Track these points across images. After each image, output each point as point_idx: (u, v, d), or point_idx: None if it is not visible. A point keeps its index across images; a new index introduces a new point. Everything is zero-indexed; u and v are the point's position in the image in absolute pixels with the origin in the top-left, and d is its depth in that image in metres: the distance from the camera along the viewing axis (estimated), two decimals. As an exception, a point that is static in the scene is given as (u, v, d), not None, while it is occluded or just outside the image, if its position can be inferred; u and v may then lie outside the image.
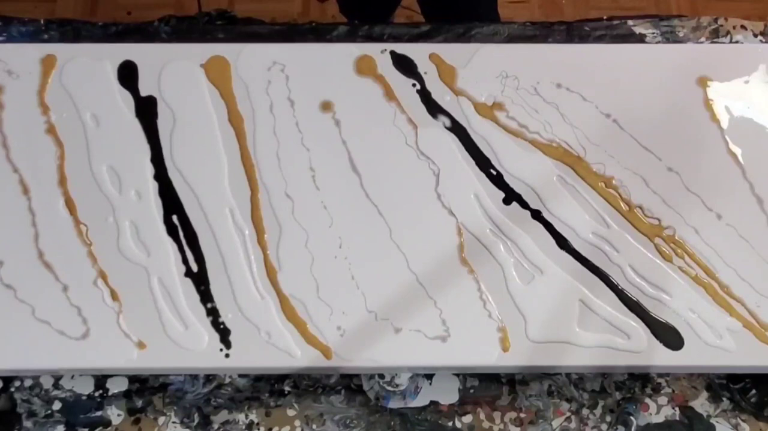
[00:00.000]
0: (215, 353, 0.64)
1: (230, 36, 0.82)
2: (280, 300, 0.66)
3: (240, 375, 0.67)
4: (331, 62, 0.77)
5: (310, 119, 0.74)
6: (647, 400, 0.66)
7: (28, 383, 0.66)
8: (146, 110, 0.74)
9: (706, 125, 0.75)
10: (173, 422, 0.65)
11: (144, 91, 0.75)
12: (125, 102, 0.75)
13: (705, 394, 0.67)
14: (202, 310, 0.66)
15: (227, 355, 0.64)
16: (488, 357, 0.65)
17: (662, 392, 0.67)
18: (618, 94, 0.76)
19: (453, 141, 0.74)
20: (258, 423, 0.65)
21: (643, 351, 0.65)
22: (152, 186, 0.71)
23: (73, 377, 0.66)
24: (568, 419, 0.65)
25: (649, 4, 1.57)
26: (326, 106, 0.75)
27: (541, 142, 0.74)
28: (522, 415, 0.66)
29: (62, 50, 0.77)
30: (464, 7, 1.00)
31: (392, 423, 0.65)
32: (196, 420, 0.65)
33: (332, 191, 0.71)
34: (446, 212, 0.70)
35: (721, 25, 0.83)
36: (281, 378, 0.67)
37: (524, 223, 0.70)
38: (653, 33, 0.83)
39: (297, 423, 0.65)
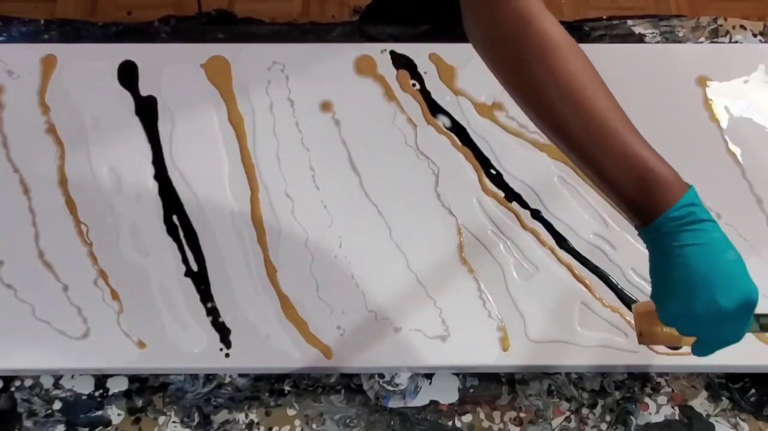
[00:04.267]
0: (215, 353, 0.65)
1: (230, 36, 0.82)
2: (280, 300, 0.67)
3: (240, 375, 0.67)
4: (331, 62, 0.77)
5: (310, 119, 0.74)
6: (647, 400, 0.66)
7: (28, 382, 0.66)
8: (146, 110, 0.74)
9: (705, 124, 0.75)
10: (173, 422, 0.65)
11: (144, 92, 0.75)
12: (125, 102, 0.75)
13: (704, 393, 0.67)
14: (202, 310, 0.66)
15: (227, 355, 0.64)
16: (488, 356, 0.65)
17: (662, 391, 0.67)
18: (617, 94, 0.76)
19: (453, 141, 0.74)
20: (258, 423, 0.65)
21: (643, 350, 0.65)
22: (152, 186, 0.71)
23: (73, 376, 0.66)
24: (567, 418, 0.66)
25: (649, 4, 1.57)
26: (326, 107, 0.75)
27: (541, 142, 0.74)
28: (522, 415, 0.66)
29: (62, 50, 0.77)
30: None
31: (392, 422, 0.65)
32: (196, 420, 0.65)
33: (332, 191, 0.71)
34: (446, 211, 0.70)
35: (721, 25, 0.83)
36: (281, 377, 0.67)
37: (524, 222, 0.70)
38: (653, 33, 0.83)
39: (297, 422, 0.65)
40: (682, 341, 0.55)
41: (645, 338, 0.57)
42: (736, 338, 0.50)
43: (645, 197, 0.48)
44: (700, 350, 0.52)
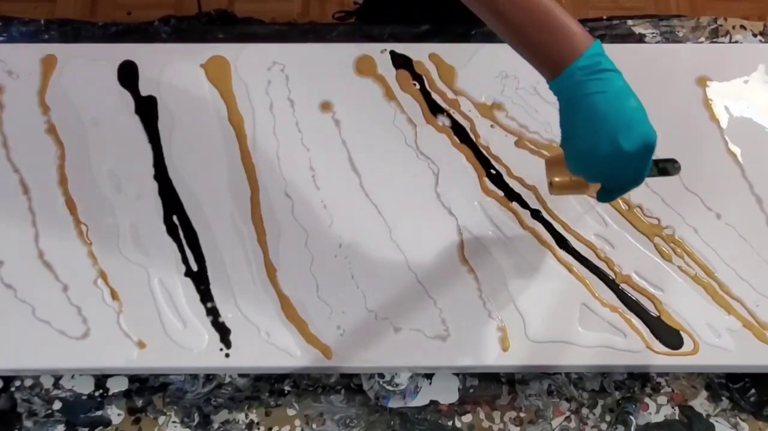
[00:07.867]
0: (215, 352, 0.65)
1: (230, 36, 0.82)
2: (280, 300, 0.67)
3: (240, 375, 0.67)
4: (331, 62, 0.77)
5: (310, 118, 0.74)
6: (647, 399, 0.66)
7: (28, 382, 0.66)
8: (146, 110, 0.74)
9: (705, 124, 0.75)
10: (173, 421, 0.65)
11: (144, 92, 0.75)
12: (125, 102, 0.75)
13: (704, 393, 0.67)
14: (202, 310, 0.66)
15: (227, 355, 0.64)
16: (488, 356, 0.65)
17: (662, 391, 0.67)
18: (617, 94, 0.76)
19: (453, 141, 0.74)
20: (258, 423, 0.65)
21: (642, 350, 0.65)
22: (152, 186, 0.71)
23: (73, 376, 0.66)
24: (567, 418, 0.66)
25: (649, 4, 1.57)
26: (326, 107, 0.75)
27: (541, 142, 0.74)
28: (522, 415, 0.66)
29: (62, 50, 0.77)
30: None
31: (392, 422, 0.65)
32: (196, 420, 0.65)
33: (332, 191, 0.71)
34: (446, 211, 0.70)
35: (721, 25, 0.83)
36: (281, 377, 0.67)
37: (524, 222, 0.70)
38: (653, 33, 0.83)
39: (297, 422, 0.65)
40: (589, 189, 0.59)
41: (555, 187, 0.60)
42: (637, 181, 0.55)
43: (556, 47, 0.52)
44: (604, 196, 0.57)
